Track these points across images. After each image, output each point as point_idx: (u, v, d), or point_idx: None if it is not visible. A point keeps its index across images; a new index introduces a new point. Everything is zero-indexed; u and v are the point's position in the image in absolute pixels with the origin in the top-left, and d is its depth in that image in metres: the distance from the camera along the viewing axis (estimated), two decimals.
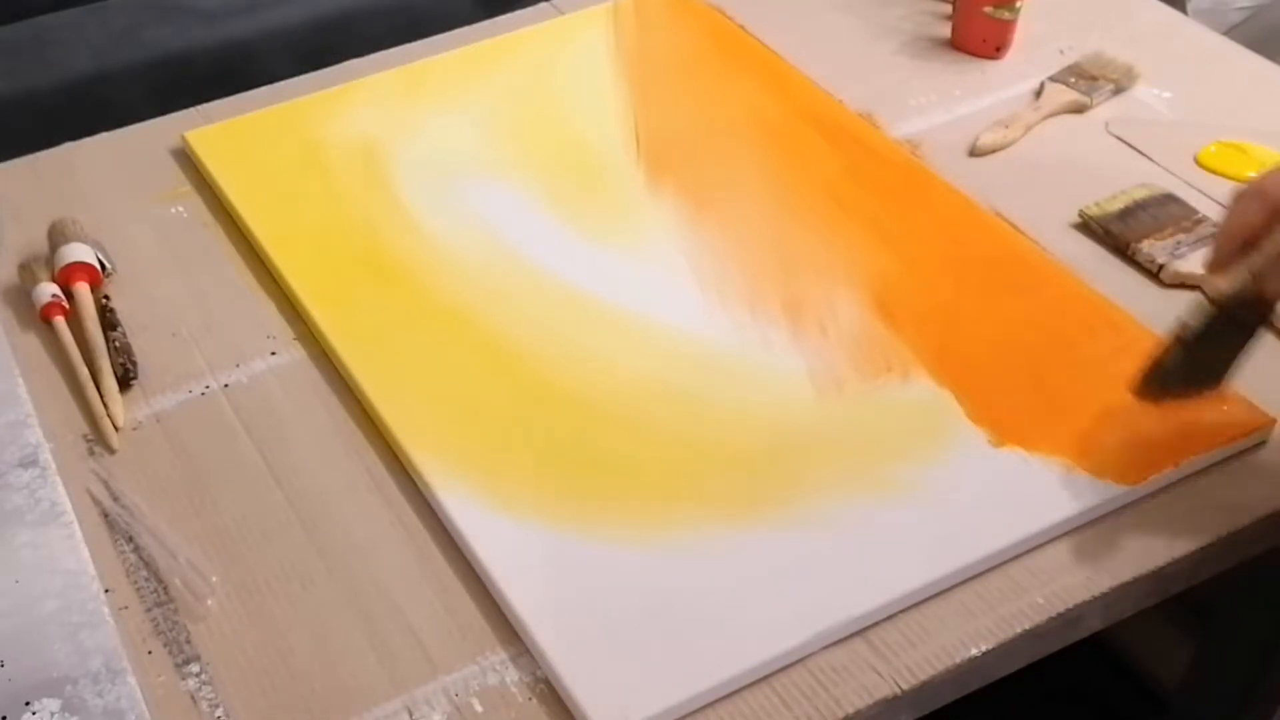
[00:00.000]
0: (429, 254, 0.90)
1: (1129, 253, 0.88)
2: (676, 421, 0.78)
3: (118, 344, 0.84)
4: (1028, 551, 0.72)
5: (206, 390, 0.83)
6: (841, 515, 0.73)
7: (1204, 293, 0.74)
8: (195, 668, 0.68)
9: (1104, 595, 0.70)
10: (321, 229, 0.93)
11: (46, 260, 0.90)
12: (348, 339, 0.84)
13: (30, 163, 1.02)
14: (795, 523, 0.72)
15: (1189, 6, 1.38)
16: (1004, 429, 0.77)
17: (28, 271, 0.90)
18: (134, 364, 0.84)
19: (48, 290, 0.88)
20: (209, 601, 0.71)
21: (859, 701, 0.66)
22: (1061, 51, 1.06)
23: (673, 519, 0.73)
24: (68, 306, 0.87)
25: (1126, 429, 0.76)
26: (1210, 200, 0.92)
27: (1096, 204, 0.91)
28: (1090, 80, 1.02)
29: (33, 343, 0.87)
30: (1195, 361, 0.75)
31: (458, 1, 1.34)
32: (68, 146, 1.03)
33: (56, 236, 0.91)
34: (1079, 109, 1.01)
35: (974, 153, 0.98)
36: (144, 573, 0.73)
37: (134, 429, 0.81)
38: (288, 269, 0.89)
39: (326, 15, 1.44)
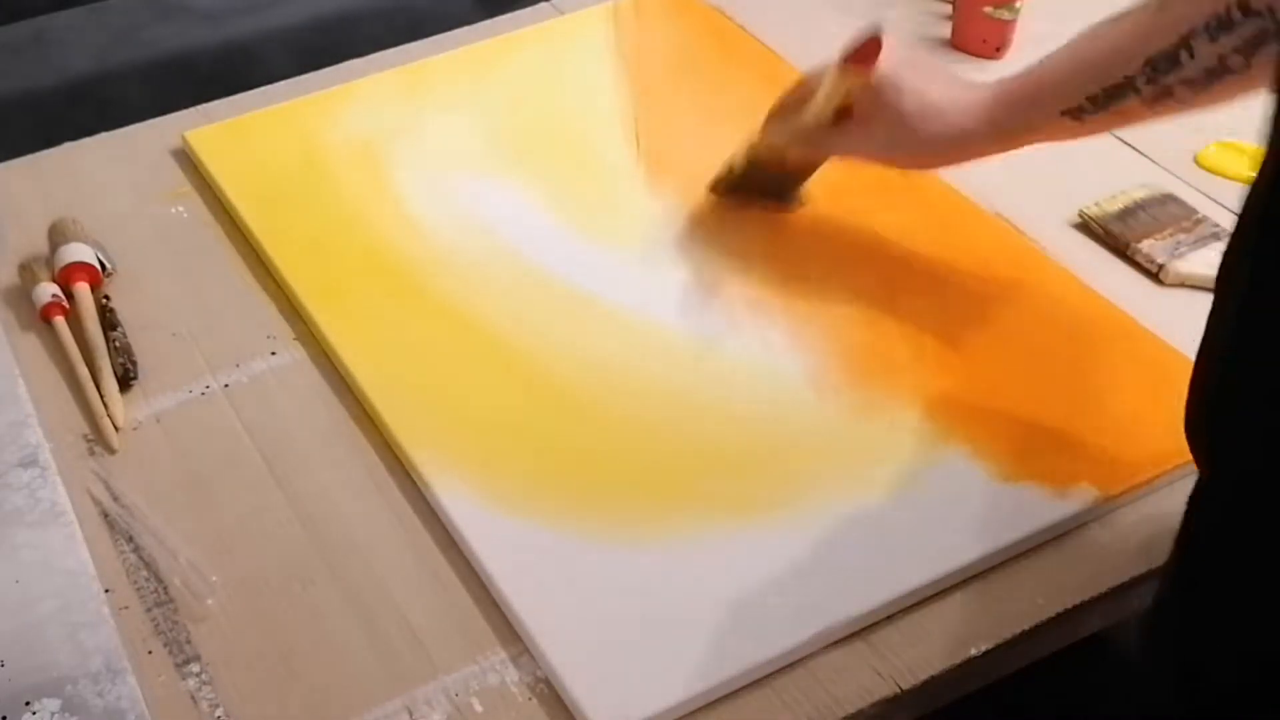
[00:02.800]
0: (429, 254, 0.90)
1: (1129, 253, 0.88)
2: (676, 421, 0.78)
3: (118, 344, 0.84)
4: (1027, 552, 0.72)
5: (207, 390, 0.83)
6: (841, 515, 0.73)
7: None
8: (195, 667, 0.68)
9: (1104, 595, 0.70)
10: (321, 229, 0.93)
11: (47, 260, 0.90)
12: (347, 339, 0.84)
13: (30, 163, 1.02)
14: (795, 523, 0.72)
15: None
16: (1003, 429, 0.77)
17: (28, 271, 0.90)
18: (134, 364, 0.84)
19: (48, 290, 0.88)
20: (209, 601, 0.71)
21: (859, 701, 0.66)
22: None
23: (673, 519, 0.73)
24: (68, 306, 0.88)
25: (1124, 431, 0.76)
26: (1210, 200, 0.92)
27: (1096, 204, 0.91)
28: None
29: (33, 343, 0.87)
30: (752, 183, 0.91)
31: (458, 1, 1.34)
32: (68, 146, 1.03)
33: (57, 236, 0.91)
34: None
35: None
36: (144, 573, 0.73)
37: (134, 429, 0.81)
38: (288, 269, 0.89)
39: (326, 15, 1.44)
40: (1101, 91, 0.74)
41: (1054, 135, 0.79)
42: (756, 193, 0.92)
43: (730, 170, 0.91)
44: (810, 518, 0.72)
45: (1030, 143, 0.80)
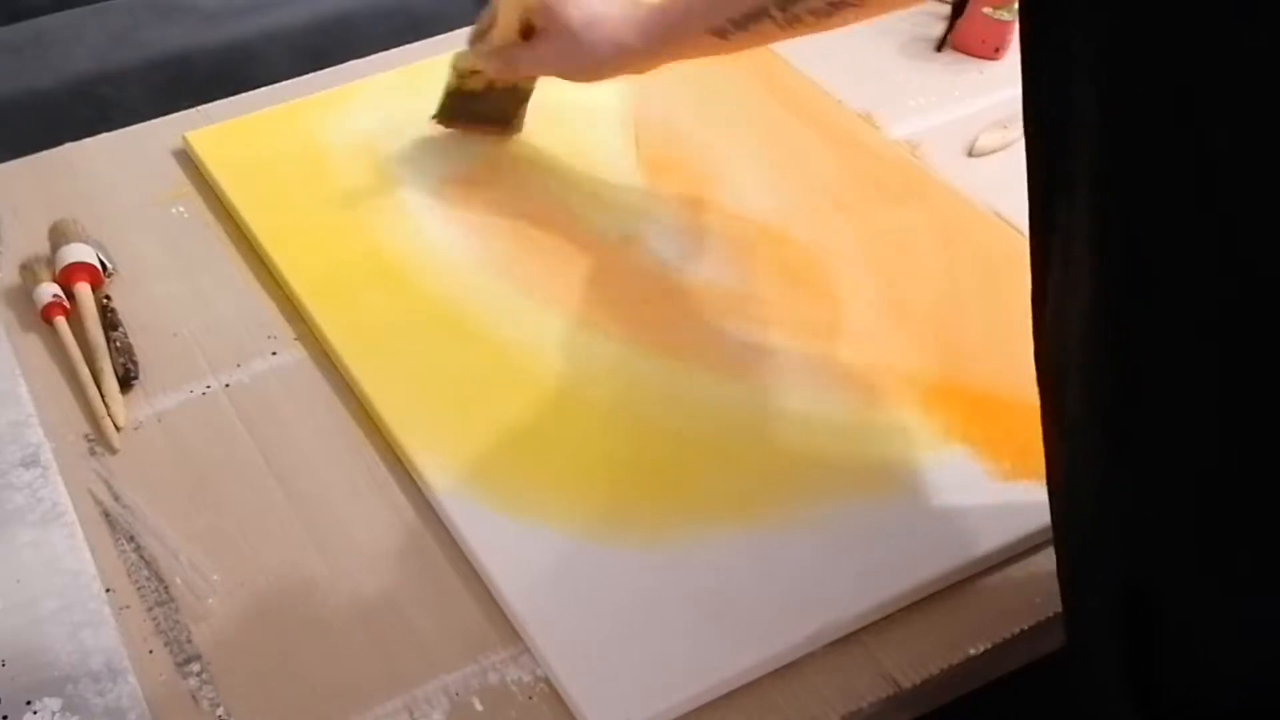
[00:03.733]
0: (429, 254, 0.90)
1: None
2: (677, 422, 0.78)
3: (119, 344, 0.85)
4: (1027, 551, 0.72)
5: (207, 390, 0.83)
6: (840, 515, 0.73)
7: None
8: (196, 667, 0.69)
9: None
10: (321, 229, 0.93)
11: (48, 260, 0.90)
12: (348, 339, 0.84)
13: (31, 163, 1.02)
14: (795, 523, 0.72)
15: None
16: (1003, 429, 0.77)
17: (29, 272, 0.90)
18: (135, 364, 0.84)
19: (49, 290, 0.88)
20: (210, 601, 0.71)
21: (857, 701, 0.66)
22: None
23: (672, 519, 0.73)
24: (69, 306, 0.88)
25: None
26: None
27: None
28: None
29: (34, 343, 0.87)
30: (466, 110, 0.97)
31: (458, 2, 1.34)
32: (69, 147, 1.03)
33: (57, 237, 0.91)
34: None
35: (973, 153, 0.98)
36: (145, 572, 0.73)
37: (135, 429, 0.81)
38: (288, 269, 0.89)
39: (327, 16, 1.44)
40: (740, 16, 0.82)
41: (704, 51, 0.86)
42: (474, 119, 0.98)
43: (442, 99, 0.97)
44: (809, 518, 0.73)
45: (683, 57, 0.88)
